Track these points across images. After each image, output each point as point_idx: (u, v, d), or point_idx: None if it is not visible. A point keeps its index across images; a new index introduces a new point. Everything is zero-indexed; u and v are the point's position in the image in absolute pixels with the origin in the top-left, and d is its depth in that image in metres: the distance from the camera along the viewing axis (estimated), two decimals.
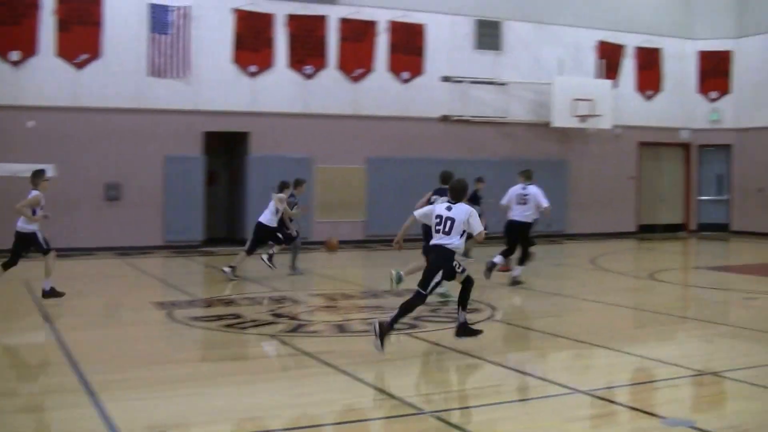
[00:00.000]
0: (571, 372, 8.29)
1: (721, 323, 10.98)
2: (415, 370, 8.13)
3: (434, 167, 22.57)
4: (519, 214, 14.05)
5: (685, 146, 27.48)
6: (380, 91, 22.60)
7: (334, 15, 22.09)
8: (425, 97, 23.10)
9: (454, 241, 8.66)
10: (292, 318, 10.88)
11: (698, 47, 27.02)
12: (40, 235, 11.95)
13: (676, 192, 27.02)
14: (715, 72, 27.02)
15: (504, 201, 14.44)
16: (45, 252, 11.96)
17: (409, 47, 22.88)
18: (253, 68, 21.27)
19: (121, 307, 12.38)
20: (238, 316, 10.94)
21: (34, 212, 11.81)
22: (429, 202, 12.01)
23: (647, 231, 26.39)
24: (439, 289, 10.06)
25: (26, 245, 11.98)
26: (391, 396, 7.09)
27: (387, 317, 8.61)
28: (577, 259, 19.28)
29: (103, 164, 19.94)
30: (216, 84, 20.89)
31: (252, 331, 10.04)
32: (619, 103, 25.46)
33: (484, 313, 11.14)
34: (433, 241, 8.92)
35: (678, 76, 26.97)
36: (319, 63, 21.95)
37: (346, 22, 22.18)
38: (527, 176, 14.32)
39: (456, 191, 8.93)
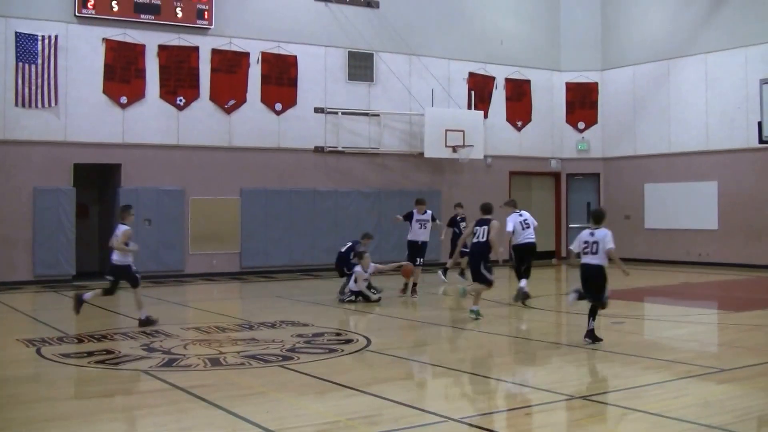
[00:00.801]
0: (446, 400, 8.85)
1: (591, 348, 11.49)
2: (290, 403, 8.42)
3: (309, 198, 24.11)
4: (525, 237, 16.39)
5: (555, 175, 29.52)
6: (254, 123, 23.64)
7: (206, 46, 23.00)
8: (299, 128, 24.25)
9: (602, 260, 11.59)
10: (166, 352, 11.07)
11: (565, 79, 29.20)
12: (133, 268, 13.59)
13: (547, 220, 28.66)
14: (582, 103, 29.22)
15: (509, 228, 16.49)
16: (135, 285, 13.55)
17: (282, 79, 24.04)
18: (123, 99, 21.91)
19: None
20: (110, 352, 11.20)
21: (126, 245, 13.36)
22: (473, 233, 14.66)
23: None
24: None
25: (121, 277, 13.53)
26: (266, 429, 7.28)
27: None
28: (450, 287, 20.14)
29: None
30: (86, 115, 21.45)
31: (124, 366, 10.32)
32: (490, 134, 27.25)
33: (358, 344, 11.76)
34: (583, 261, 11.72)
35: (547, 107, 29.04)
36: (192, 94, 22.80)
37: (218, 53, 23.16)
38: (514, 204, 17.03)
39: (597, 218, 11.97)
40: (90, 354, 11.09)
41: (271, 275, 23.10)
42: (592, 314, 11.77)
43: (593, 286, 11.77)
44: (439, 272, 20.79)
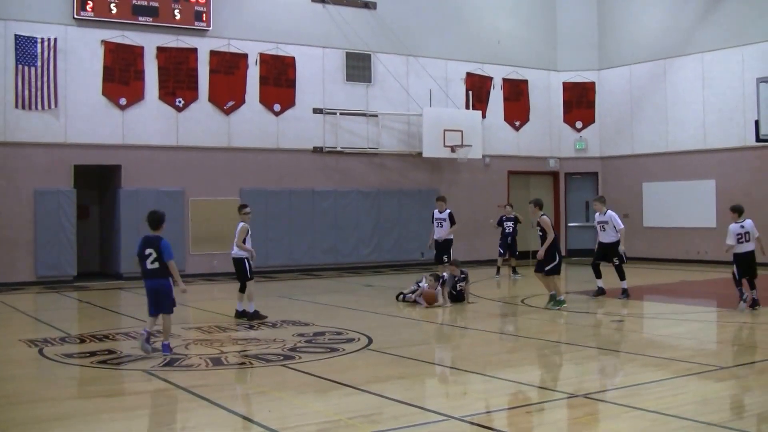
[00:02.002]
0: (447, 398, 8.87)
1: (591, 346, 11.77)
2: (291, 401, 8.40)
3: (308, 198, 24.14)
4: (605, 237, 16.87)
5: (554, 174, 29.57)
6: (253, 123, 23.69)
7: (204, 47, 23.06)
8: (297, 128, 24.31)
9: (753, 246, 14.71)
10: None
11: (562, 78, 29.24)
12: (248, 263, 14.37)
13: None
14: (579, 103, 29.27)
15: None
16: (248, 279, 14.30)
17: (280, 80, 24.09)
18: (122, 101, 21.96)
19: None
20: (111, 352, 11.21)
21: (244, 241, 14.22)
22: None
23: (519, 258, 28.10)
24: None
25: (237, 268, 14.40)
26: (267, 428, 7.29)
27: None
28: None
29: None
30: (85, 117, 21.51)
31: (126, 366, 10.31)
32: (488, 134, 27.31)
33: (359, 343, 11.76)
34: (741, 250, 14.57)
35: (544, 107, 29.10)
36: (191, 95, 22.86)
37: (216, 55, 23.21)
38: (602, 201, 17.12)
39: (739, 210, 14.92)
40: (92, 354, 11.11)
41: (271, 275, 23.12)
42: (753, 287, 14.66)
43: (751, 267, 14.66)
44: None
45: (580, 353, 11.45)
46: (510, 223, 21.75)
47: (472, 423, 7.58)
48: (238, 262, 14.46)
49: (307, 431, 7.33)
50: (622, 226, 16.84)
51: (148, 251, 11.06)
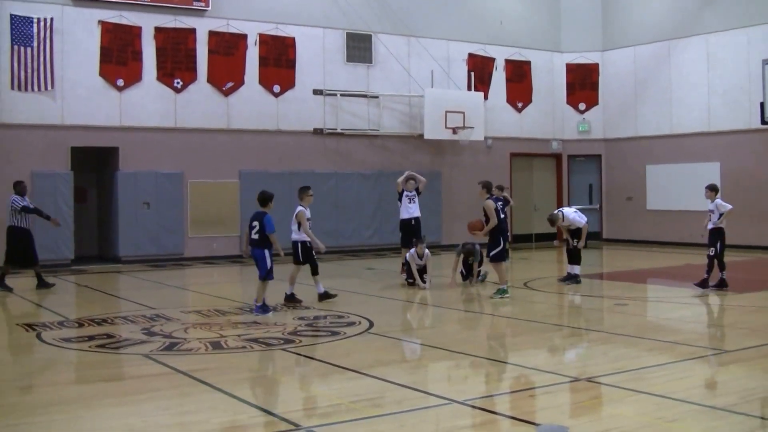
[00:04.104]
0: (449, 382, 8.90)
1: (595, 330, 11.88)
2: (291, 386, 8.55)
3: (308, 180, 23.96)
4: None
5: (557, 157, 29.53)
6: (252, 105, 23.62)
7: (203, 28, 22.96)
8: (298, 110, 24.25)
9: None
10: (166, 336, 11.10)
11: (566, 60, 29.16)
12: (304, 247, 14.27)
13: (549, 202, 28.64)
14: (583, 84, 29.19)
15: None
16: (298, 263, 14.33)
17: (280, 60, 24.01)
18: (120, 82, 21.88)
19: None
20: (110, 336, 11.20)
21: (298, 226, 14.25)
22: None
23: (521, 241, 28.20)
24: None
25: (297, 252, 14.36)
26: (269, 412, 7.36)
27: None
28: (450, 270, 20.22)
29: None
30: (82, 98, 21.43)
31: (125, 350, 10.30)
32: (490, 115, 27.25)
33: (360, 326, 11.78)
34: None
35: (547, 89, 29.03)
36: (189, 76, 22.78)
37: (215, 35, 23.12)
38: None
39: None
40: (91, 338, 11.11)
41: (272, 258, 23.05)
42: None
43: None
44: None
45: (583, 337, 11.52)
46: (499, 204, 20.04)
47: (474, 407, 7.60)
48: (295, 245, 14.37)
49: (309, 415, 7.34)
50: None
51: (254, 224, 13.33)
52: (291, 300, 14.14)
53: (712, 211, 15.60)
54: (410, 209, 17.87)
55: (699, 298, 14.79)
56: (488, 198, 15.06)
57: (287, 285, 14.34)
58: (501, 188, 19.90)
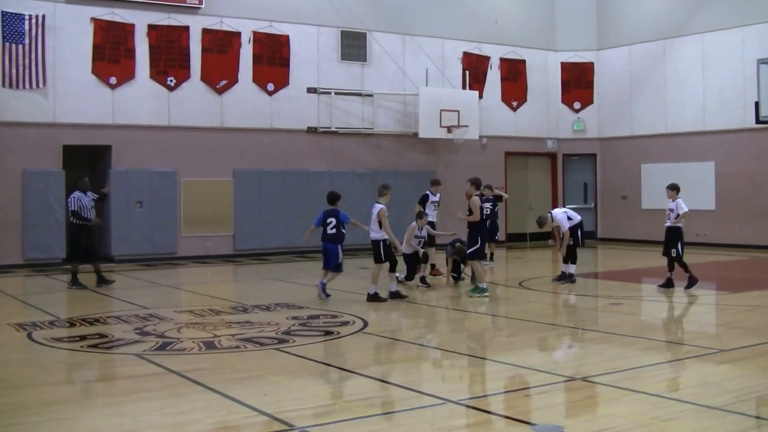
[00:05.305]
0: (444, 382, 8.90)
1: (590, 329, 11.95)
2: (286, 385, 8.41)
3: (302, 179, 24.07)
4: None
5: (551, 156, 29.55)
6: (246, 103, 23.59)
7: (196, 25, 22.91)
8: (292, 108, 24.21)
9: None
10: (159, 336, 11.05)
11: (561, 59, 29.18)
12: (383, 246, 14.46)
13: (544, 201, 28.78)
14: (578, 83, 29.23)
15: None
16: (379, 261, 14.51)
17: (274, 58, 23.98)
18: (113, 80, 21.83)
19: None
20: (102, 336, 11.16)
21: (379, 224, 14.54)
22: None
23: (516, 240, 28.23)
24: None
25: (379, 251, 14.54)
26: (263, 413, 7.28)
27: None
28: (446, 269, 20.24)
29: None
30: (75, 96, 21.34)
31: (118, 350, 10.27)
32: (485, 114, 27.25)
33: (354, 326, 11.77)
34: None
35: (542, 87, 29.05)
36: (182, 74, 22.73)
37: (209, 33, 23.08)
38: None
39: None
40: (82, 338, 11.07)
41: (265, 257, 23.12)
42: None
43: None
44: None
45: (579, 336, 11.52)
46: (488, 204, 19.30)
47: (469, 407, 7.60)
48: (377, 243, 14.55)
49: (303, 415, 7.30)
50: None
51: (329, 220, 14.77)
52: (375, 299, 14.29)
53: (671, 210, 15.77)
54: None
55: (692, 297, 14.82)
56: (476, 195, 15.14)
57: (394, 282, 14.80)
58: (490, 188, 19.96)
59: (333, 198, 15.01)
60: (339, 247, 14.78)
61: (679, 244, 15.56)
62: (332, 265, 14.76)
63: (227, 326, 11.93)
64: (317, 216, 15.10)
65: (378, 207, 14.53)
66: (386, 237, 14.54)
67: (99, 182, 21.68)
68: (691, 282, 15.47)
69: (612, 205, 28.88)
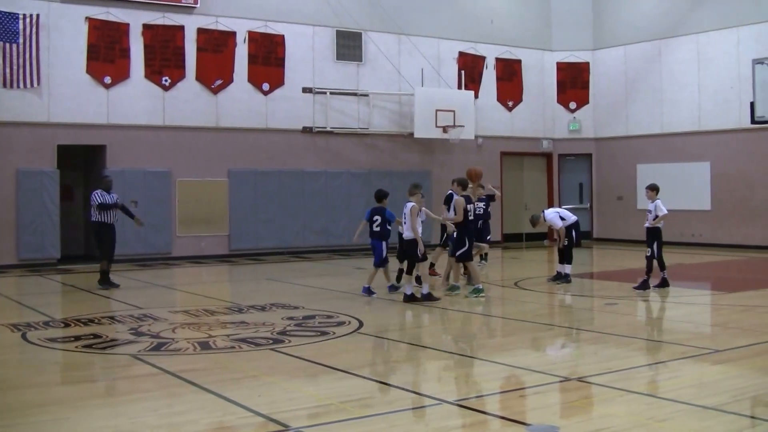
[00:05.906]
0: (439, 382, 8.84)
1: (585, 329, 11.94)
2: (282, 386, 8.41)
3: (297, 179, 24.06)
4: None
5: (547, 156, 29.57)
6: (241, 103, 23.58)
7: (191, 25, 22.90)
8: (287, 108, 24.21)
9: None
10: (154, 336, 11.06)
11: (556, 59, 29.21)
12: (419, 245, 14.18)
13: (539, 201, 28.69)
14: (573, 83, 29.26)
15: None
16: (421, 260, 14.45)
17: (269, 58, 23.97)
18: (107, 79, 21.81)
19: None
20: (97, 336, 11.13)
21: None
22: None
23: (512, 240, 28.25)
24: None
25: (409, 250, 14.34)
26: (258, 413, 7.28)
27: None
28: (440, 270, 20.19)
29: None
30: (69, 95, 21.34)
31: (113, 351, 10.28)
32: (481, 114, 27.27)
33: (350, 326, 11.76)
34: None
35: (538, 87, 29.08)
36: (177, 74, 22.72)
37: (204, 33, 23.07)
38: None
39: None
40: (77, 338, 11.04)
41: (261, 257, 23.12)
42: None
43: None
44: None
45: (574, 336, 11.53)
46: (480, 204, 18.36)
47: (465, 407, 7.60)
48: (410, 242, 14.30)
49: (299, 416, 7.30)
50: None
51: (375, 218, 15.21)
52: (429, 298, 14.29)
53: (650, 211, 15.77)
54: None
55: (691, 297, 14.82)
56: (462, 195, 15.08)
57: (410, 286, 14.56)
58: (482, 186, 19.63)
59: (380, 196, 15.41)
60: (383, 243, 15.18)
61: (656, 244, 15.60)
62: (375, 261, 15.24)
63: (222, 326, 11.90)
64: (366, 212, 15.71)
65: (412, 205, 14.30)
66: (415, 237, 14.20)
67: (94, 182, 21.72)
68: (644, 285, 15.49)
69: (607, 205, 28.92)
